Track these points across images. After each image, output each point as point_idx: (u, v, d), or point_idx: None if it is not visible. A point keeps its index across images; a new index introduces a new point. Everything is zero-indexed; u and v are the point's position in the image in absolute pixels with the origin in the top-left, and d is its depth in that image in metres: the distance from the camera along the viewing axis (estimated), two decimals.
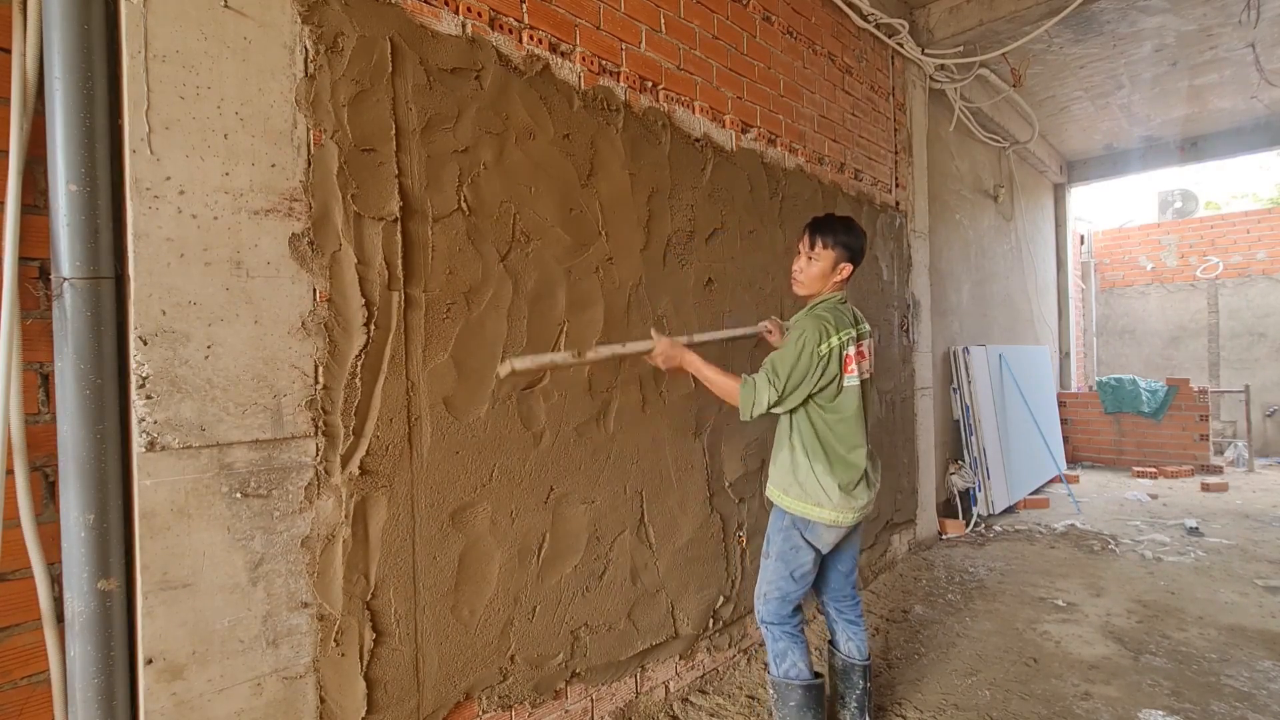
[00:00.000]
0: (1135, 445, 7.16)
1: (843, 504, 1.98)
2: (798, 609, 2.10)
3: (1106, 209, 12.92)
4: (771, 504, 2.12)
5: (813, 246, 2.03)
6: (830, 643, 2.28)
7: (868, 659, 2.23)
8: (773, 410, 1.95)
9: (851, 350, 1.99)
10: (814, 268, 2.04)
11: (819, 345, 1.91)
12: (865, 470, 2.05)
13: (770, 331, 2.35)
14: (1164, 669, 2.69)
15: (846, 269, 2.04)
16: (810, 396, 1.97)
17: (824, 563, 2.18)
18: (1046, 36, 4.69)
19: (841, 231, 2.02)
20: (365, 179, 1.63)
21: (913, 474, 4.25)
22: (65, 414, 1.25)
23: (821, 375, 1.93)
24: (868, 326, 2.13)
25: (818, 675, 2.09)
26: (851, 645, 2.22)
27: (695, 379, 2.12)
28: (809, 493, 1.99)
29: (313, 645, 1.54)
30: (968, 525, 4.75)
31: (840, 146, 3.54)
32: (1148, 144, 7.64)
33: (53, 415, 1.29)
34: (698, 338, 2.20)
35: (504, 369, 1.85)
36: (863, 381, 2.06)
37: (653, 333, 2.05)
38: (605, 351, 1.99)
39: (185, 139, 1.36)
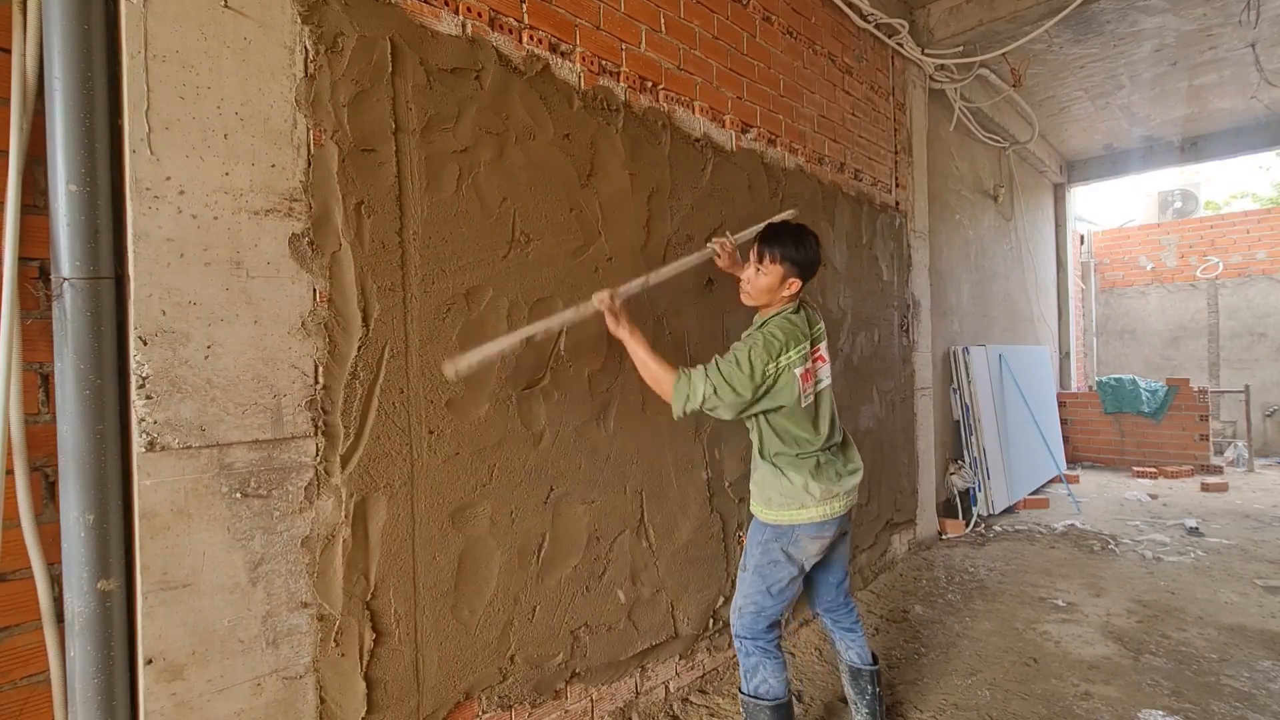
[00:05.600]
0: (1135, 445, 7.16)
1: (825, 496, 1.95)
2: (774, 625, 2.02)
3: (1106, 209, 12.92)
4: (753, 515, 2.08)
5: (761, 259, 1.97)
6: (834, 649, 2.28)
7: (874, 664, 2.21)
8: (710, 412, 1.87)
9: (801, 368, 1.93)
10: (761, 280, 1.98)
11: (767, 364, 1.86)
12: (839, 457, 2.04)
13: (719, 255, 2.21)
14: (1164, 669, 2.69)
15: (795, 284, 1.97)
16: (766, 413, 1.94)
17: (814, 575, 2.16)
18: (1046, 36, 4.68)
19: (792, 246, 1.95)
20: (365, 179, 1.63)
21: (913, 474, 4.25)
22: (65, 414, 1.25)
23: (768, 393, 1.89)
24: (822, 326, 2.08)
25: (790, 693, 2.03)
26: (852, 653, 2.22)
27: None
28: (790, 498, 1.95)
29: (313, 645, 1.54)
30: (968, 525, 4.75)
31: (840, 146, 3.53)
32: (1148, 144, 7.64)
33: (53, 415, 1.29)
34: (653, 278, 2.03)
35: (449, 371, 1.73)
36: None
37: (594, 297, 1.89)
38: (554, 322, 1.86)
39: (185, 139, 1.36)
